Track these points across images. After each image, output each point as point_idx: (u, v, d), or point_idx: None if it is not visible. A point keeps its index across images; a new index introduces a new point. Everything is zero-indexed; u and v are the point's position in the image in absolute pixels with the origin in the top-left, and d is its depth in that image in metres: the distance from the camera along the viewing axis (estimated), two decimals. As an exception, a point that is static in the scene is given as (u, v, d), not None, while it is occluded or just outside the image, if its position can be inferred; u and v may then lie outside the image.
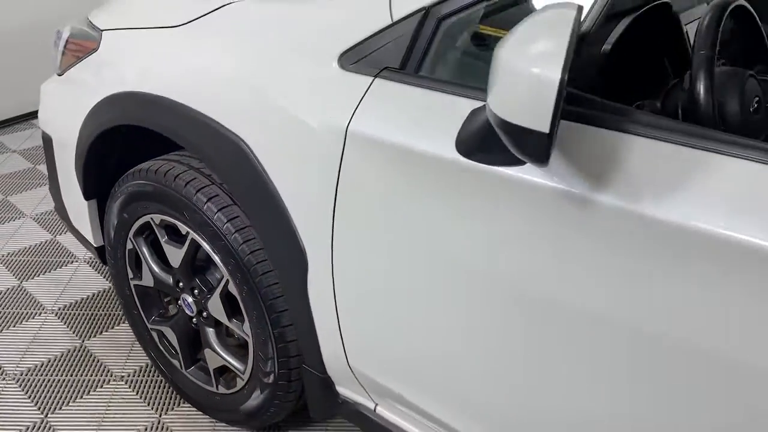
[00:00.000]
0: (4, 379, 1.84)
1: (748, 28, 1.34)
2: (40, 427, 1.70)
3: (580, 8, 0.80)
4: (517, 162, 0.87)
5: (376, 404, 1.37)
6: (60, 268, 2.31)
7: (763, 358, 0.78)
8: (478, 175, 0.96)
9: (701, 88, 1.06)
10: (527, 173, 0.90)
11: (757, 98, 1.18)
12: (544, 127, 0.72)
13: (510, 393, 1.08)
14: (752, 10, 1.30)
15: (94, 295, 2.17)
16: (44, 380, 1.84)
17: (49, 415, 1.73)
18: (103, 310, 2.10)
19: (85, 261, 2.31)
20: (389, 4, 1.10)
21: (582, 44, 0.87)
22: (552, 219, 0.90)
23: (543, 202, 0.90)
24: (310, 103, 1.16)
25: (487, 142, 0.87)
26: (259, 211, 1.29)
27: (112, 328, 2.04)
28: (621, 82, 1.20)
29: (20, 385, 1.81)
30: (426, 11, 1.06)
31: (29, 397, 1.78)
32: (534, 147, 0.76)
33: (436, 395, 1.21)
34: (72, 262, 2.32)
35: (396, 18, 1.09)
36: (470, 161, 0.94)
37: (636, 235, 0.84)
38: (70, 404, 1.77)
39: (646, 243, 0.83)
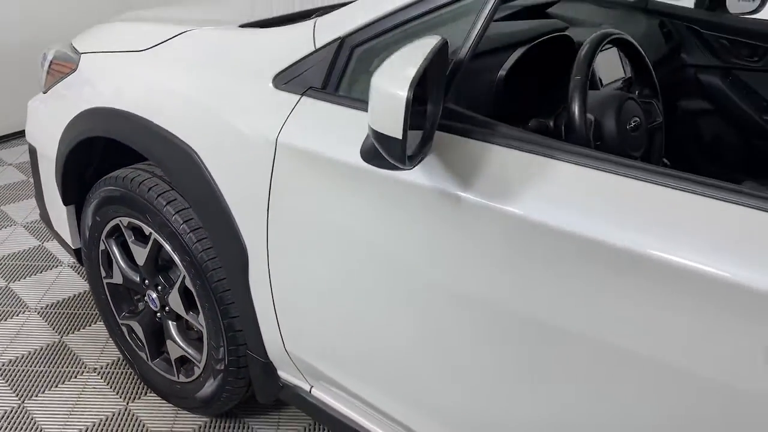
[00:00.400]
0: (-14, 369, 2.01)
1: (634, 57, 1.52)
2: (17, 412, 1.86)
3: (445, 41, 0.99)
4: (407, 166, 1.05)
5: (311, 386, 1.53)
6: (45, 271, 2.49)
7: (596, 329, 0.95)
8: (377, 178, 1.13)
9: (575, 108, 1.24)
10: (410, 175, 1.08)
11: (636, 118, 1.36)
12: (398, 134, 0.90)
13: (418, 371, 1.24)
14: (633, 41, 1.49)
15: (74, 296, 2.34)
16: (23, 371, 2.00)
17: (25, 401, 1.90)
18: (81, 310, 2.27)
19: (68, 265, 2.48)
20: (313, 34, 1.29)
21: (458, 71, 1.05)
22: (430, 213, 1.08)
23: (423, 199, 1.08)
24: (249, 117, 1.34)
25: (377, 149, 1.05)
26: (207, 213, 1.47)
27: (89, 325, 2.20)
28: (519, 102, 1.38)
29: (1, 375, 1.97)
30: (342, 40, 1.24)
31: (9, 385, 1.95)
32: (394, 150, 0.93)
33: (361, 377, 1.37)
34: (56, 266, 2.49)
35: (318, 46, 1.27)
36: (370, 166, 1.12)
37: (494, 227, 1.01)
38: (45, 392, 1.93)
39: (501, 233, 1.01)
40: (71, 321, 2.22)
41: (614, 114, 1.31)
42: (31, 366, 2.03)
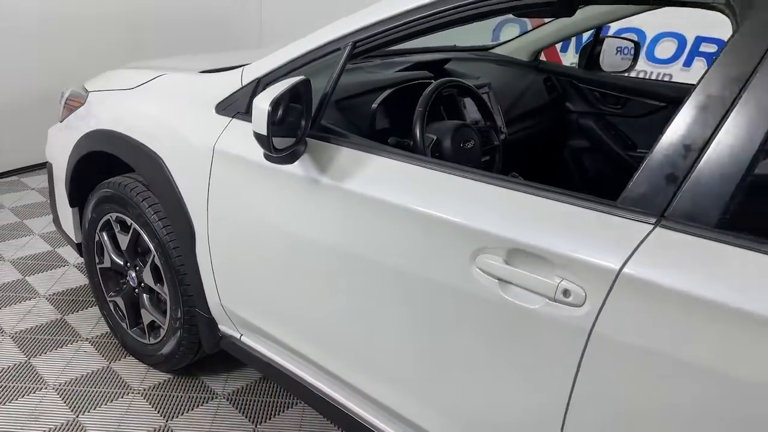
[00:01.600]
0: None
1: (476, 98, 2.09)
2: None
3: (307, 79, 1.55)
4: (287, 161, 1.60)
5: (241, 335, 2.05)
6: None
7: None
8: (273, 171, 1.67)
9: (416, 130, 1.80)
10: (291, 168, 1.63)
11: (471, 141, 1.91)
12: (264, 132, 1.45)
13: (310, 312, 1.73)
14: (471, 86, 2.06)
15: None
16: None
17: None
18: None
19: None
20: (241, 77, 1.87)
21: (326, 101, 1.61)
22: (304, 192, 1.62)
23: (299, 184, 1.62)
24: (197, 132, 1.90)
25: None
26: (168, 203, 2.02)
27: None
28: (389, 125, 1.95)
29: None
30: (258, 80, 1.82)
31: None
32: (265, 144, 1.48)
33: (275, 322, 1.87)
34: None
35: (243, 84, 1.85)
36: (270, 163, 1.66)
37: (337, 197, 1.55)
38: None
39: (342, 201, 1.54)
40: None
41: (450, 136, 1.86)
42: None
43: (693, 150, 1.13)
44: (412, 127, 1.83)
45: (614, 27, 4.17)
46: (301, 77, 1.54)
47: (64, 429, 2.11)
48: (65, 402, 2.23)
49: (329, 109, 1.92)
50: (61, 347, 2.52)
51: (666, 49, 4.18)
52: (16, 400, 2.23)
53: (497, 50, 2.99)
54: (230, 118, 1.85)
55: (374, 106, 1.93)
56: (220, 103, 1.89)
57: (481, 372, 1.38)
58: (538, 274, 1.23)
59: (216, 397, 2.32)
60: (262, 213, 1.76)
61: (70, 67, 4.14)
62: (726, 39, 1.16)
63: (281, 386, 2.31)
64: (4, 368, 2.38)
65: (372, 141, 1.62)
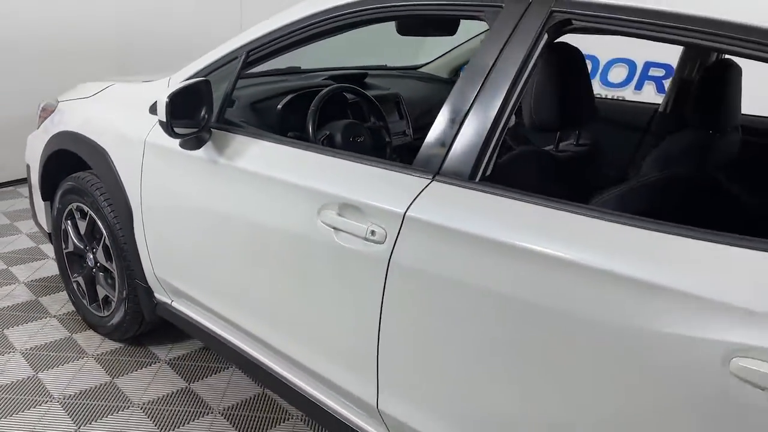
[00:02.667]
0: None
1: (368, 101, 2.49)
2: None
3: (207, 81, 1.95)
4: (194, 147, 2.00)
5: (172, 300, 2.42)
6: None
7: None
8: (185, 156, 2.07)
9: (308, 125, 2.19)
10: (198, 153, 2.02)
11: (360, 136, 2.30)
12: (164, 119, 1.85)
13: (228, 277, 2.10)
14: (364, 92, 2.46)
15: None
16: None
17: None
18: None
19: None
20: (168, 83, 2.28)
21: (228, 98, 2.01)
22: (208, 172, 2.00)
23: (203, 165, 2.01)
24: (133, 129, 2.31)
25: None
26: (113, 190, 2.42)
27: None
28: (294, 122, 2.34)
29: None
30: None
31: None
32: (166, 129, 1.88)
33: (203, 289, 2.23)
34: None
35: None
36: (183, 150, 2.06)
37: (235, 175, 1.94)
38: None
39: (239, 178, 1.93)
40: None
41: (340, 131, 2.25)
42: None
43: (455, 124, 1.50)
44: (305, 123, 2.22)
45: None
46: (202, 78, 1.95)
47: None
48: (32, 366, 2.62)
49: (246, 108, 2.34)
50: (32, 321, 2.91)
51: (618, 74, 4.56)
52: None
53: (425, 69, 3.39)
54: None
55: (279, 107, 2.34)
56: (152, 105, 2.30)
57: (326, 303, 1.74)
58: (356, 221, 1.60)
59: (158, 362, 2.68)
60: (179, 192, 2.15)
61: (64, 90, 4.60)
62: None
63: (203, 343, 2.60)
64: (-20, 336, 2.77)
65: (264, 131, 2.02)
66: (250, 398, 2.48)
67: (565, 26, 1.43)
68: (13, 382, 2.50)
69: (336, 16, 1.83)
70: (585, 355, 1.24)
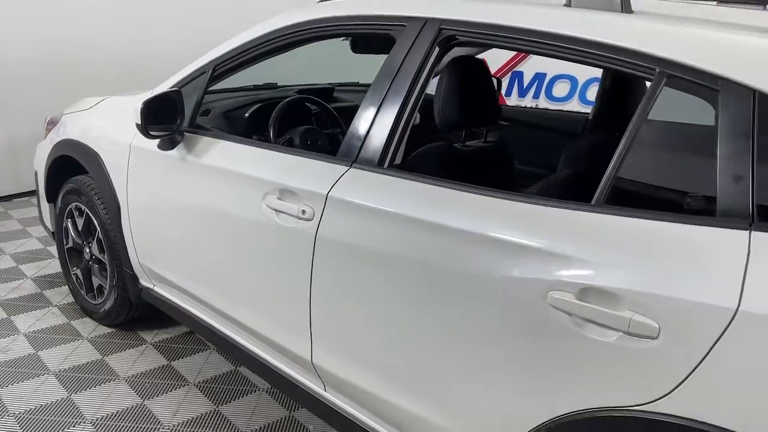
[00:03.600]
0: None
1: (327, 110, 2.82)
2: None
3: (179, 91, 2.31)
4: (169, 148, 2.35)
5: (154, 285, 2.76)
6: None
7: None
8: (165, 156, 2.41)
9: (270, 129, 2.54)
10: (174, 153, 2.36)
11: (318, 140, 2.64)
12: (139, 122, 2.20)
13: (203, 263, 2.43)
14: (321, 101, 2.79)
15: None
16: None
17: None
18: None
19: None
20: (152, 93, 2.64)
21: (199, 106, 2.36)
22: (180, 168, 2.35)
23: (178, 164, 2.35)
24: (121, 135, 2.66)
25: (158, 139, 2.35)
26: (104, 189, 2.77)
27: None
28: (261, 127, 2.68)
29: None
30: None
31: None
32: (141, 131, 2.23)
33: (177, 272, 2.56)
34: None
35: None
36: (161, 150, 2.40)
37: (200, 171, 2.28)
38: None
39: (201, 173, 2.27)
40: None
41: (299, 135, 2.59)
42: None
43: (368, 120, 1.83)
44: (267, 128, 2.57)
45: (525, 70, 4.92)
46: (174, 89, 2.30)
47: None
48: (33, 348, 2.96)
49: (219, 116, 2.69)
50: (36, 310, 3.26)
51: (562, 89, 4.88)
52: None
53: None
54: (143, 124, 2.61)
55: (246, 115, 2.69)
56: (138, 114, 2.66)
57: (270, 274, 2.06)
58: (291, 203, 1.93)
59: (145, 343, 3.01)
60: (157, 187, 2.50)
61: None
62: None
63: (178, 320, 2.84)
64: (-11, 321, 3.12)
65: (227, 133, 2.36)
66: (224, 374, 2.80)
67: (451, 41, 1.76)
68: (16, 358, 2.84)
69: (276, 38, 2.19)
70: (467, 303, 1.54)
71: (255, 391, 2.67)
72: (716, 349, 1.16)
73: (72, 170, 3.05)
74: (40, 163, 3.32)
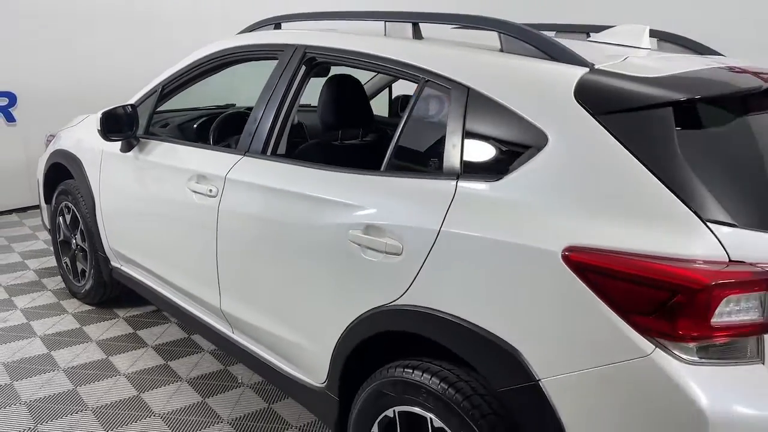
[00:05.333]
0: None
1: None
2: None
3: (133, 105, 2.97)
4: (127, 150, 3.00)
5: (121, 264, 3.39)
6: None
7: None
8: (123, 157, 3.06)
9: (210, 137, 3.17)
10: (131, 154, 3.01)
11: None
12: (99, 128, 2.86)
13: (156, 243, 3.05)
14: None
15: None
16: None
17: None
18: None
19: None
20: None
21: (152, 117, 3.01)
22: (134, 165, 2.99)
23: (133, 162, 3.00)
24: (96, 143, 3.31)
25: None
26: (84, 188, 3.42)
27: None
28: (204, 136, 3.32)
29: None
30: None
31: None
32: (103, 136, 2.88)
33: (134, 250, 3.19)
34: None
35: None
36: (121, 152, 3.05)
37: (147, 167, 2.92)
38: None
39: (153, 167, 2.91)
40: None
41: (235, 143, 3.22)
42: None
43: (257, 120, 2.44)
44: (209, 135, 3.22)
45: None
46: (130, 103, 2.96)
47: (17, 324, 3.48)
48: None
49: (174, 128, 3.34)
50: (33, 292, 3.91)
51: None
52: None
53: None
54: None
55: (194, 126, 3.33)
56: (111, 127, 3.33)
57: (191, 242, 2.66)
58: (204, 185, 2.54)
59: (118, 318, 3.63)
60: (119, 181, 3.15)
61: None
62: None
63: (138, 292, 3.46)
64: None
65: (169, 138, 3.00)
66: (179, 339, 3.39)
67: (313, 62, 2.38)
68: (12, 326, 3.48)
69: (206, 62, 2.84)
70: (307, 246, 2.12)
71: (201, 352, 3.26)
72: (429, 259, 1.73)
73: (64, 175, 3.73)
74: (40, 172, 4.01)
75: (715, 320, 1.34)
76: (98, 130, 2.90)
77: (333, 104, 2.55)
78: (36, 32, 5.47)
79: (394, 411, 1.86)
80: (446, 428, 1.71)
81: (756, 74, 1.75)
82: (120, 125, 2.93)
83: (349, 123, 2.67)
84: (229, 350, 2.70)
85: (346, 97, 2.60)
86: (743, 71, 1.81)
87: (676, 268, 1.35)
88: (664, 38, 2.30)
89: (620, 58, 1.80)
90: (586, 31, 2.42)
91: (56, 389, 2.88)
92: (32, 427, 2.60)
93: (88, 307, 3.75)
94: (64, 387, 2.89)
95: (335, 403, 2.11)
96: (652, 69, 1.70)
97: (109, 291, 3.64)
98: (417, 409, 1.79)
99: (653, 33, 2.19)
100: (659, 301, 1.36)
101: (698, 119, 1.59)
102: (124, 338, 3.39)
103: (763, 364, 1.40)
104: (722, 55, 2.28)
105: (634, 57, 1.88)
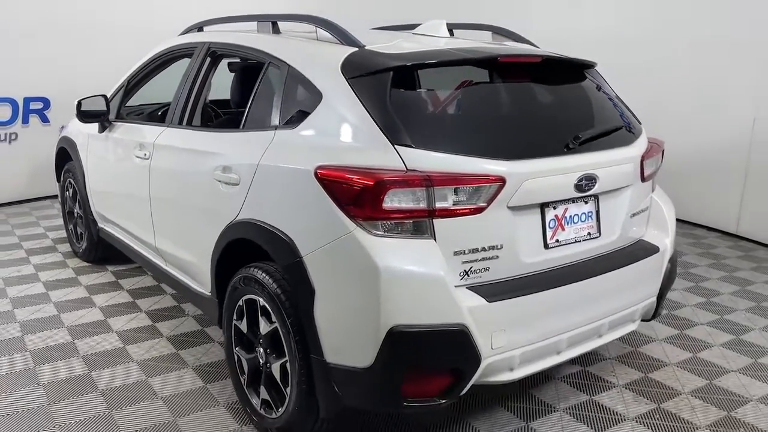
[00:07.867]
0: None
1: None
2: None
3: (105, 95, 3.82)
4: (102, 130, 3.85)
5: (105, 225, 4.24)
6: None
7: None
8: (100, 137, 3.91)
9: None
10: (106, 134, 3.86)
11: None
12: (76, 112, 3.71)
13: (128, 207, 3.89)
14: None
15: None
16: None
17: None
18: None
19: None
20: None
21: (123, 105, 3.85)
22: (107, 144, 3.83)
23: (106, 140, 3.84)
24: (86, 128, 4.18)
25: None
26: (78, 165, 4.30)
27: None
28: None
29: None
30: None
31: None
32: (79, 118, 3.74)
33: (109, 209, 4.03)
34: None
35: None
36: (99, 133, 3.90)
37: (116, 144, 3.76)
38: None
39: (117, 144, 3.75)
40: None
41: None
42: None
43: (176, 100, 3.24)
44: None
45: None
46: (102, 94, 3.81)
47: (27, 273, 4.39)
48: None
49: (144, 114, 4.17)
50: (47, 254, 4.83)
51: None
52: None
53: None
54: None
55: (155, 111, 4.17)
56: (97, 115, 4.20)
57: (137, 196, 3.47)
58: (141, 150, 3.35)
59: (107, 271, 4.49)
60: (98, 156, 4.01)
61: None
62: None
63: (117, 247, 4.32)
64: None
65: (135, 120, 3.84)
66: (151, 285, 4.21)
67: (215, 54, 3.16)
68: (23, 275, 4.39)
69: (156, 59, 3.66)
70: (191, 186, 2.89)
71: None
72: (252, 185, 2.46)
73: (68, 158, 4.63)
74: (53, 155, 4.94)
75: (386, 205, 2.02)
76: (76, 113, 3.76)
77: (240, 86, 3.32)
78: (68, 45, 6.47)
79: (242, 300, 2.59)
80: (266, 305, 2.43)
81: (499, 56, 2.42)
82: (97, 111, 3.78)
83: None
84: (166, 281, 3.49)
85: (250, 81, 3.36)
86: (487, 52, 2.47)
87: (361, 173, 2.04)
88: (462, 28, 2.99)
89: (393, 41, 2.50)
90: (414, 26, 3.11)
91: (46, 314, 3.73)
92: (31, 367, 3.44)
93: (85, 264, 4.62)
94: (51, 313, 3.75)
95: (216, 304, 2.85)
96: (402, 48, 2.40)
97: (99, 251, 4.50)
98: (253, 296, 2.51)
99: (450, 25, 2.88)
100: (354, 194, 2.05)
101: (411, 81, 2.28)
102: (109, 287, 4.23)
103: (435, 240, 2.07)
104: (534, 44, 2.95)
105: (404, 41, 2.58)
